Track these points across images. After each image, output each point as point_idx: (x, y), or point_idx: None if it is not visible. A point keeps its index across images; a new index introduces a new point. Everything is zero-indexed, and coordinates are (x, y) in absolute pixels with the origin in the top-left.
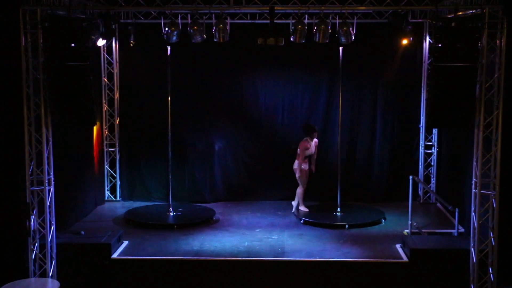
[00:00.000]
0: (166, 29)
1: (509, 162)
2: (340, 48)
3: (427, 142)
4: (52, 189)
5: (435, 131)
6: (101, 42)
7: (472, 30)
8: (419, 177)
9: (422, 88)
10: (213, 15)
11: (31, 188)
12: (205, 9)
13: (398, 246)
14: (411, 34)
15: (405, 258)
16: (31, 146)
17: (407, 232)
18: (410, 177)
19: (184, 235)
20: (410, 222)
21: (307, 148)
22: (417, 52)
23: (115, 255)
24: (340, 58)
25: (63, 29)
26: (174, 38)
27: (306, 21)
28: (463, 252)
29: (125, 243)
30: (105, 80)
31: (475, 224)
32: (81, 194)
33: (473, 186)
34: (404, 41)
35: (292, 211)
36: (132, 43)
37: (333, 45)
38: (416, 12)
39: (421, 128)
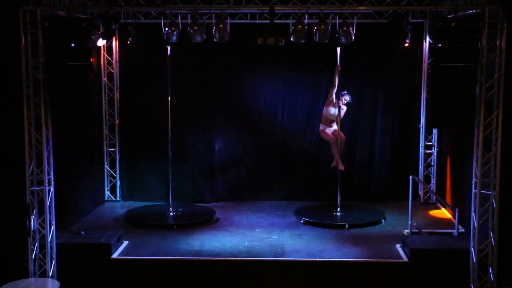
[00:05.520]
0: (166, 29)
1: (509, 162)
2: (338, 49)
3: (427, 142)
4: (52, 189)
5: (435, 131)
6: (101, 42)
7: (472, 30)
8: (419, 177)
9: (422, 88)
10: (213, 15)
11: (31, 188)
12: (205, 9)
13: (398, 246)
14: (411, 34)
15: (405, 258)
16: (31, 146)
17: (407, 232)
18: (410, 177)
19: (184, 235)
20: (410, 222)
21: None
22: (417, 52)
23: (115, 255)
24: (338, 58)
25: (63, 29)
26: (174, 38)
27: (306, 21)
28: (463, 252)
29: (125, 243)
30: (105, 80)
31: (475, 224)
32: (81, 194)
33: (473, 186)
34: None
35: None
36: (129, 41)
37: (333, 45)
38: (416, 12)
39: (421, 128)
